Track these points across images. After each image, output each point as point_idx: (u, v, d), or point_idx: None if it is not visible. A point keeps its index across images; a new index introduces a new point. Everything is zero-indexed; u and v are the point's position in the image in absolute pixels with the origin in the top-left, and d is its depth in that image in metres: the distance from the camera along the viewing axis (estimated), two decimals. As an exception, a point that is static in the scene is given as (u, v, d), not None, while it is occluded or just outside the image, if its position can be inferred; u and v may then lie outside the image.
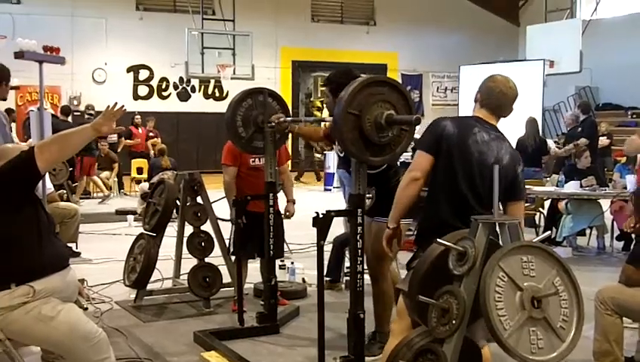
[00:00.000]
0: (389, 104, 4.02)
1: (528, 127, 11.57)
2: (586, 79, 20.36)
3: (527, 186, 10.15)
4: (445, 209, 3.63)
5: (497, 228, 3.11)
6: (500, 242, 3.07)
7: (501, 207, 3.70)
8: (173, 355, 5.06)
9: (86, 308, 4.10)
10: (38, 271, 3.62)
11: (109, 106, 3.75)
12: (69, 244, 8.02)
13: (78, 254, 8.26)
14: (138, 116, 16.74)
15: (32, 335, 3.65)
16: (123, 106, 3.76)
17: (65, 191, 10.08)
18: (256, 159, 6.05)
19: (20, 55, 6.47)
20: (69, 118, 14.09)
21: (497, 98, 3.80)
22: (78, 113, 17.41)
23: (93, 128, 3.65)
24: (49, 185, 7.55)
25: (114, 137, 15.18)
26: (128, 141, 16.22)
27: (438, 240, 3.07)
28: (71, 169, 11.64)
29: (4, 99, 5.98)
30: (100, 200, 14.63)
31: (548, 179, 11.80)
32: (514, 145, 12.62)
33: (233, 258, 6.21)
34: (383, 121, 3.97)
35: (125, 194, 15.84)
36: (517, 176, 3.75)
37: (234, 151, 5.99)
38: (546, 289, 2.84)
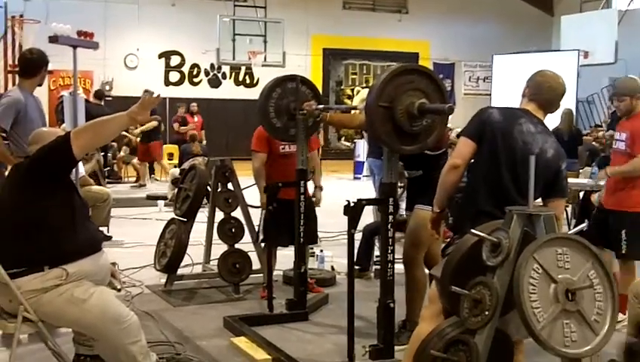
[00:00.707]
0: (420, 92, 4.00)
1: (564, 117, 11.65)
2: (621, 70, 19.96)
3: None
4: (485, 197, 3.60)
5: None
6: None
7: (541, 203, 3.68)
8: (203, 339, 5.08)
9: (119, 289, 4.14)
10: (71, 254, 3.66)
11: (145, 95, 3.75)
12: (101, 228, 8.10)
13: (109, 238, 8.33)
14: (194, 104, 16.86)
15: (64, 318, 3.69)
16: (159, 95, 3.77)
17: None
18: (286, 146, 6.04)
19: (54, 39, 6.49)
20: (102, 102, 14.30)
21: (547, 93, 3.79)
22: (110, 98, 17.54)
23: (129, 117, 3.64)
24: (82, 170, 7.61)
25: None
26: (183, 128, 16.30)
27: (472, 230, 3.04)
28: (102, 154, 11.74)
29: (41, 85, 6.02)
30: (134, 184, 14.80)
31: (581, 170, 11.70)
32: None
33: (262, 245, 6.24)
34: (416, 111, 3.96)
35: (156, 179, 15.95)
36: (560, 172, 3.70)
37: (264, 137, 5.99)
38: (581, 282, 2.80)
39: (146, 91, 14.85)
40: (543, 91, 3.79)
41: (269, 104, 5.55)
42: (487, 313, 2.89)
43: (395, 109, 3.93)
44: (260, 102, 5.57)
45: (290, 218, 5.59)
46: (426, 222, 4.46)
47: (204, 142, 15.77)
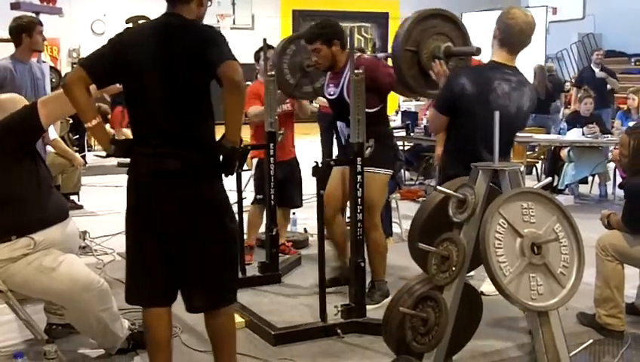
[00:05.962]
0: (444, 36, 4.04)
1: (539, 73, 11.67)
2: (590, 26, 20.09)
3: (528, 134, 10.15)
4: (461, 165, 3.57)
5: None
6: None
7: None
8: (175, 304, 5.07)
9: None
10: (38, 223, 3.64)
11: None
12: (72, 196, 8.05)
13: (80, 207, 8.29)
14: None
15: (33, 287, 3.67)
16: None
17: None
18: (283, 105, 5.95)
19: (16, 6, 6.39)
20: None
21: (517, 36, 3.72)
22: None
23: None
24: (54, 134, 7.51)
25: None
26: None
27: (438, 187, 3.05)
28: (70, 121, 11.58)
29: (37, 50, 5.93)
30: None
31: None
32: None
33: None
34: (442, 54, 3.99)
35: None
36: (528, 115, 3.90)
37: (260, 95, 5.82)
38: (546, 236, 2.84)
39: None
40: (514, 35, 3.71)
41: (282, 63, 5.50)
42: (454, 269, 2.92)
43: (421, 53, 3.99)
44: (273, 59, 5.50)
45: (280, 179, 5.61)
46: (376, 184, 4.53)
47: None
